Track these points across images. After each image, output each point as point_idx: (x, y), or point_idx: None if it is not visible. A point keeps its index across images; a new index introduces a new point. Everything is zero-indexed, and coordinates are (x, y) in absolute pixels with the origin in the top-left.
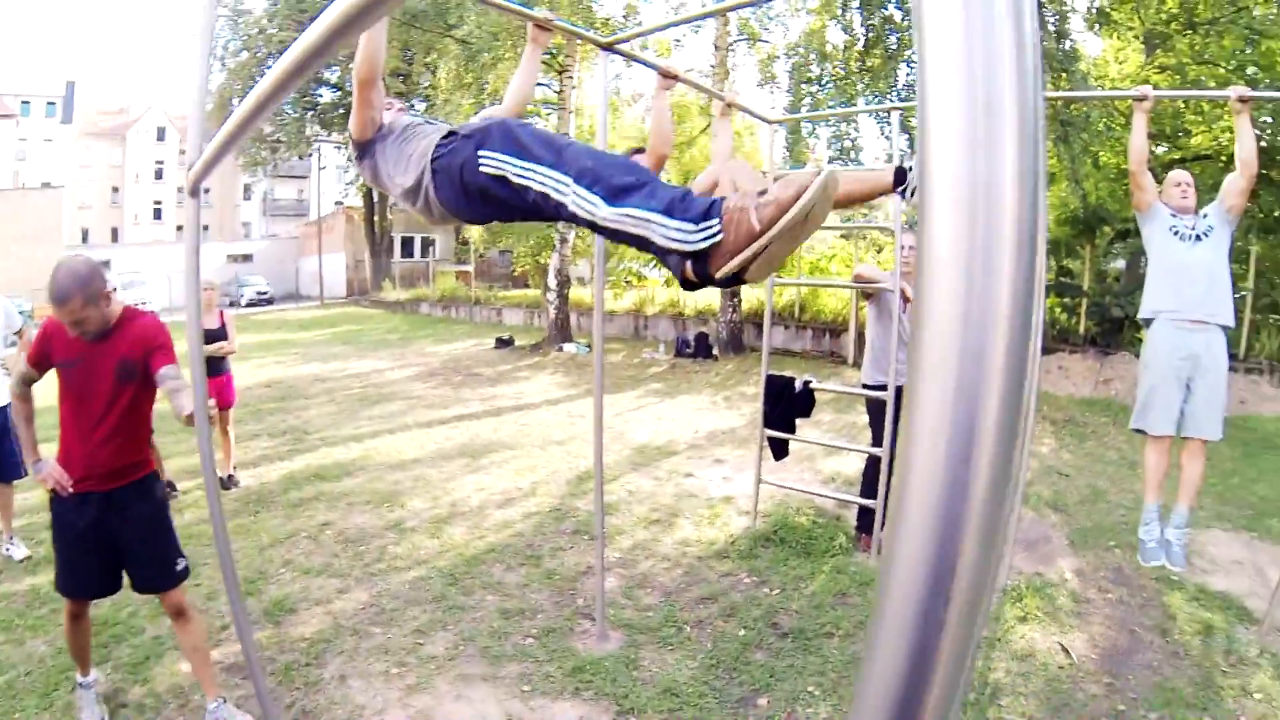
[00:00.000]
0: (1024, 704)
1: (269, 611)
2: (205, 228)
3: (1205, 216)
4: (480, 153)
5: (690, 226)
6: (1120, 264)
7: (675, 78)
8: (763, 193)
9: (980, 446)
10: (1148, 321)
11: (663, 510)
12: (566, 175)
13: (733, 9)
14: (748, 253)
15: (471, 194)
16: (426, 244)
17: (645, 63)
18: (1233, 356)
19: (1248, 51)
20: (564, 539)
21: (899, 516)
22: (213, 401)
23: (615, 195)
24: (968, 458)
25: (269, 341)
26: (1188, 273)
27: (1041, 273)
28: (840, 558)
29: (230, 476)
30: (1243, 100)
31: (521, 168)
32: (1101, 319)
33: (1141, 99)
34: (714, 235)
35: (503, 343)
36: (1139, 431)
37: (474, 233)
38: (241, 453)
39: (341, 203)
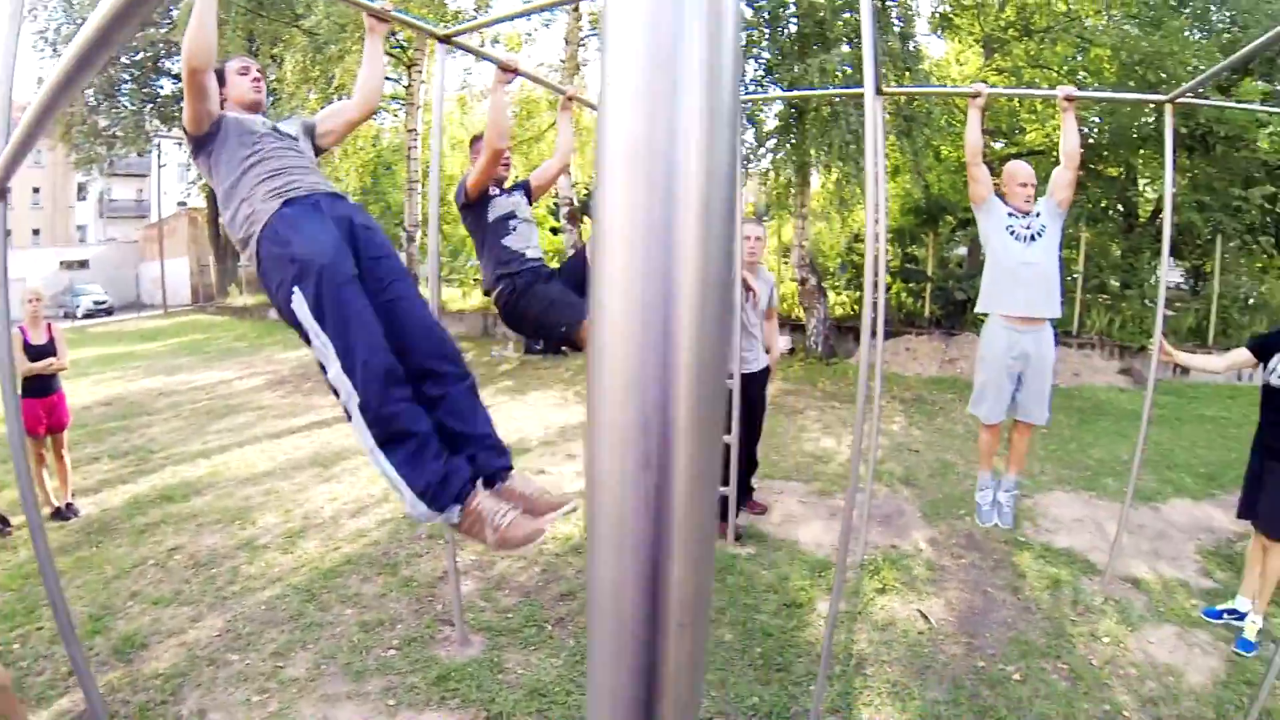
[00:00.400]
0: (889, 671)
1: (119, 649)
2: (36, 231)
3: (1039, 215)
4: (293, 291)
5: (429, 511)
6: (962, 251)
7: (514, 71)
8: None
9: (675, 445)
10: (984, 314)
11: None
12: (353, 388)
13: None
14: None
15: (279, 307)
16: None
17: (483, 55)
18: (1066, 334)
19: (1079, 58)
20: (420, 544)
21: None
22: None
23: (384, 442)
24: (653, 460)
25: (108, 355)
26: (1022, 274)
27: (737, 249)
28: None
29: (69, 505)
30: (1069, 99)
31: (319, 339)
32: (945, 302)
33: (975, 95)
34: (450, 521)
35: None
36: (974, 416)
37: None
38: (80, 478)
39: (184, 204)
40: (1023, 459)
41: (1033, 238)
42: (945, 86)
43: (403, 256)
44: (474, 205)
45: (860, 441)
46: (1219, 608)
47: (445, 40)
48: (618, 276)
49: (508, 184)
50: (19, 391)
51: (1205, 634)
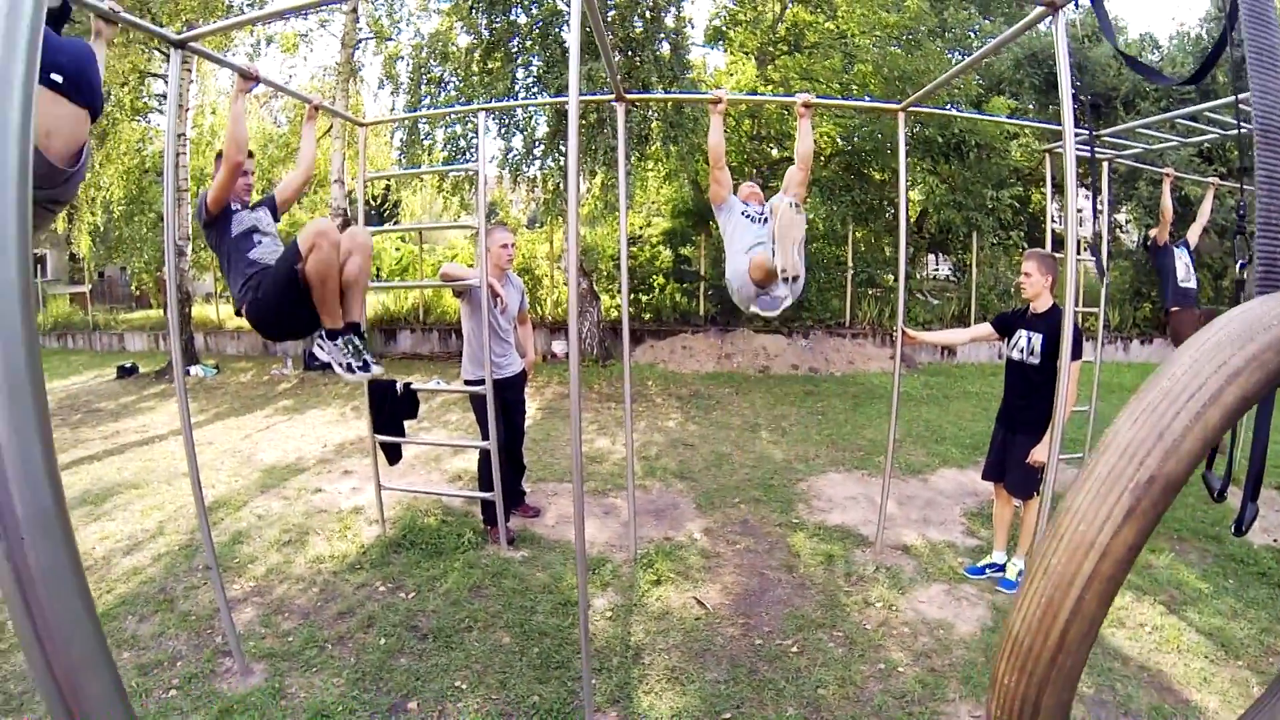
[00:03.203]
0: (666, 658)
1: None
2: None
3: (770, 209)
4: None
5: None
6: None
7: (255, 79)
8: None
9: None
10: (729, 283)
11: (294, 530)
12: None
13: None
14: None
15: None
16: (35, 263)
17: (221, 61)
18: (840, 325)
19: (847, 73)
20: (197, 576)
21: None
22: None
23: None
24: None
25: None
26: (761, 245)
27: (481, 256)
28: (471, 553)
29: None
30: (807, 105)
31: None
32: (720, 300)
33: (716, 101)
34: None
35: (125, 371)
36: None
37: (84, 247)
38: None
39: None
40: None
41: (765, 220)
42: (690, 93)
43: (173, 272)
44: (216, 222)
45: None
46: (980, 565)
47: (181, 45)
48: None
49: (251, 200)
50: None
51: (972, 588)
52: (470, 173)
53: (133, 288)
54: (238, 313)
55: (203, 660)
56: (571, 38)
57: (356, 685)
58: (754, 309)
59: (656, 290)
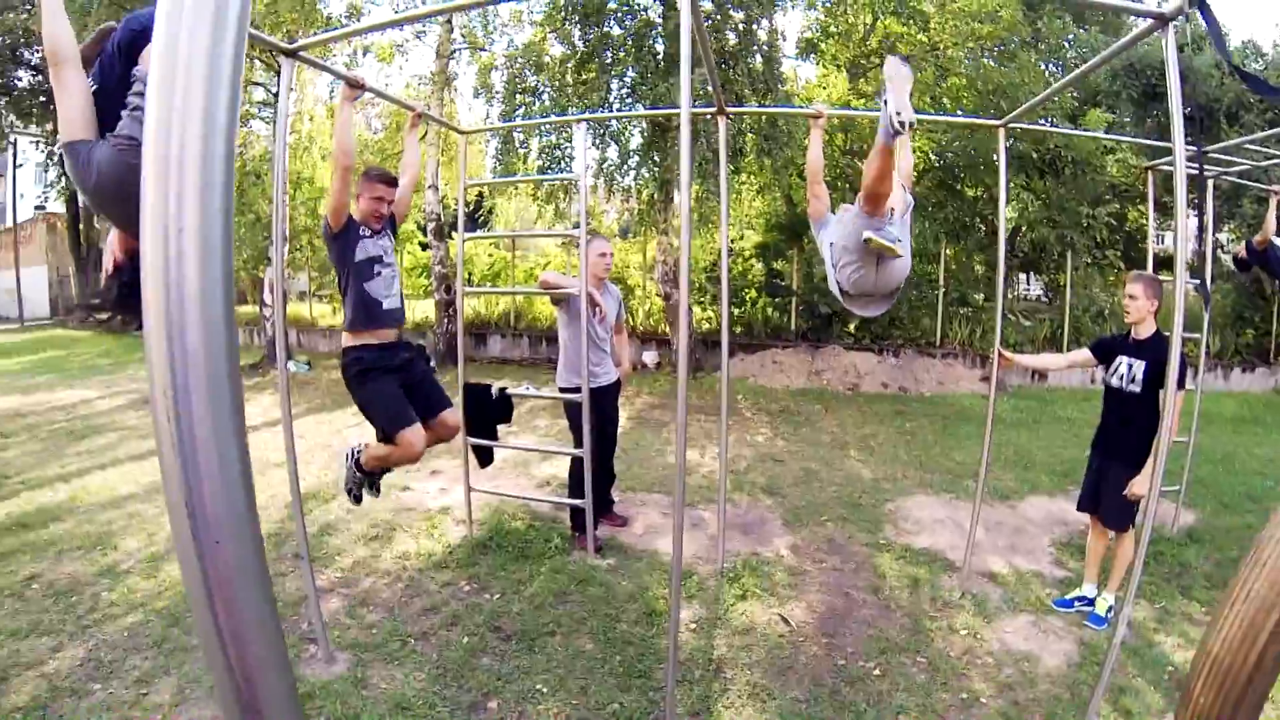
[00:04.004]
0: (748, 673)
1: None
2: None
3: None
4: None
5: None
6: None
7: (360, 87)
8: None
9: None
10: (844, 293)
11: (381, 526)
12: None
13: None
14: None
15: None
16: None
17: (330, 70)
18: (930, 344)
19: (939, 86)
20: (285, 564)
21: None
22: None
23: None
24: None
25: None
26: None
27: (583, 265)
28: (558, 558)
29: None
30: (911, 125)
31: None
32: (811, 316)
33: (816, 116)
34: None
35: None
36: None
37: None
38: None
39: (43, 207)
40: None
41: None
42: (789, 107)
43: (272, 271)
44: (338, 238)
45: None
46: (1069, 597)
47: (292, 55)
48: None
49: (377, 224)
50: None
51: (1059, 621)
52: (570, 182)
53: None
54: (347, 331)
55: (288, 645)
56: (683, 51)
57: (438, 681)
58: (867, 234)
59: (748, 304)
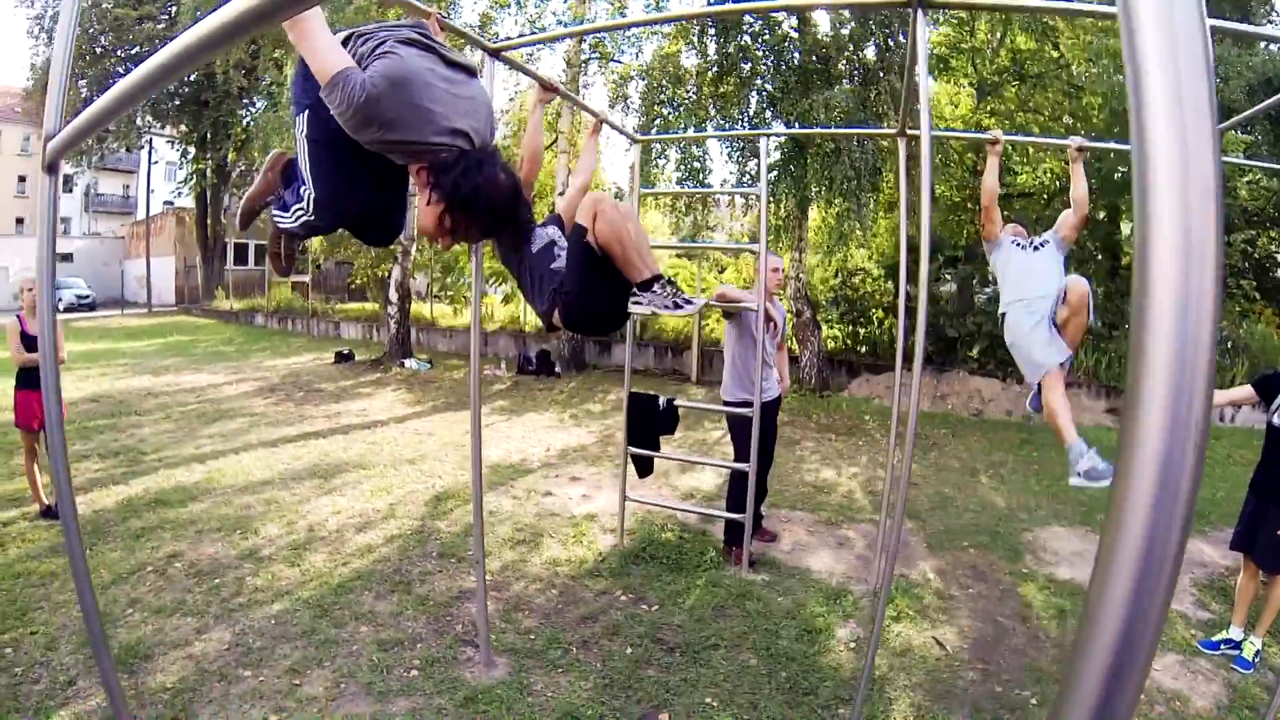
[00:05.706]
0: (910, 695)
1: (121, 659)
2: (20, 220)
3: (1044, 239)
4: None
5: None
6: (951, 288)
7: (555, 91)
8: None
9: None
10: (1003, 315)
11: (527, 530)
12: None
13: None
14: None
15: None
16: (261, 252)
17: (529, 73)
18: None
19: (1068, 103)
20: (431, 563)
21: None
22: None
23: None
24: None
25: (93, 351)
26: (1031, 271)
27: (761, 281)
28: (712, 571)
29: (57, 505)
30: (1080, 150)
31: None
32: (936, 339)
33: (994, 142)
34: None
35: (342, 357)
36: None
37: (313, 243)
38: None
39: (172, 203)
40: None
41: (1036, 248)
42: (970, 132)
43: (396, 270)
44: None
45: (906, 473)
46: (1215, 639)
47: (496, 55)
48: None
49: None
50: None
51: (1206, 662)
52: (750, 196)
53: (352, 282)
54: (549, 327)
55: (444, 646)
56: (920, 74)
57: (605, 691)
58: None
59: (874, 324)
